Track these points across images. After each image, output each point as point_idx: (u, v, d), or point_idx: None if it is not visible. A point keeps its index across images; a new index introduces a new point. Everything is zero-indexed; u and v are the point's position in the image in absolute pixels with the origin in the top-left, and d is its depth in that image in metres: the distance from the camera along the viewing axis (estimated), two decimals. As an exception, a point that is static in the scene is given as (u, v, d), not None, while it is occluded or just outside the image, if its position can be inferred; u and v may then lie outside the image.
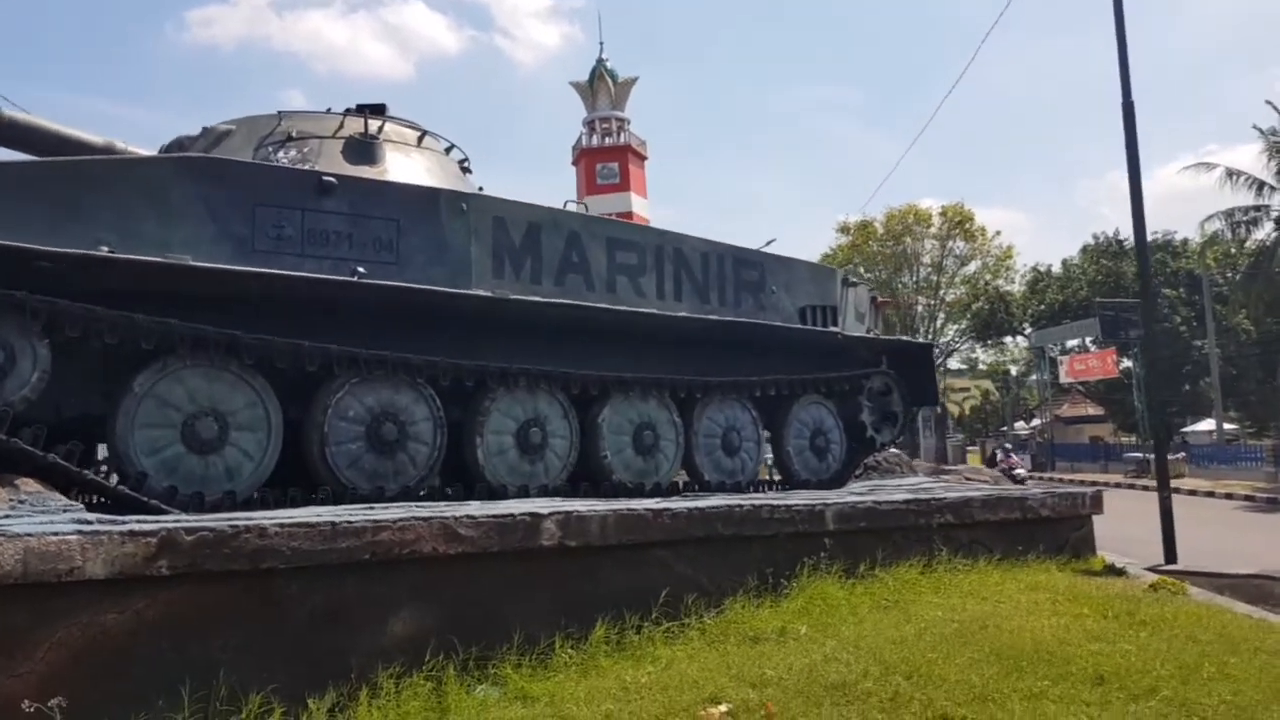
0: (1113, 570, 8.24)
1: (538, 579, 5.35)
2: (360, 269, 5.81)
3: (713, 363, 7.83)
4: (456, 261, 6.29)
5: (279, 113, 6.83)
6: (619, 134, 50.66)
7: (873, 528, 7.11)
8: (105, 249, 5.07)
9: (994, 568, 7.64)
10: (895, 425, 9.19)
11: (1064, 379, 41.51)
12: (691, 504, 6.06)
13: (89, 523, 4.17)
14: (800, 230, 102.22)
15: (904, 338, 10.21)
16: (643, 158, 51.17)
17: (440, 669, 4.80)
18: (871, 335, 9.22)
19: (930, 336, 49.15)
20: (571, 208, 7.16)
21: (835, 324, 8.70)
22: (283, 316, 5.67)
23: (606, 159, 49.24)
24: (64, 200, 5.07)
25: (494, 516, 5.11)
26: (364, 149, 6.74)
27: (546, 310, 6.62)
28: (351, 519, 4.66)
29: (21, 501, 4.50)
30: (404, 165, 6.92)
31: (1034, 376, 46.59)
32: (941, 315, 49.69)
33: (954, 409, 61.74)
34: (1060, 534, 8.44)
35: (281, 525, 4.43)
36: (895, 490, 7.92)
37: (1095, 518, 8.75)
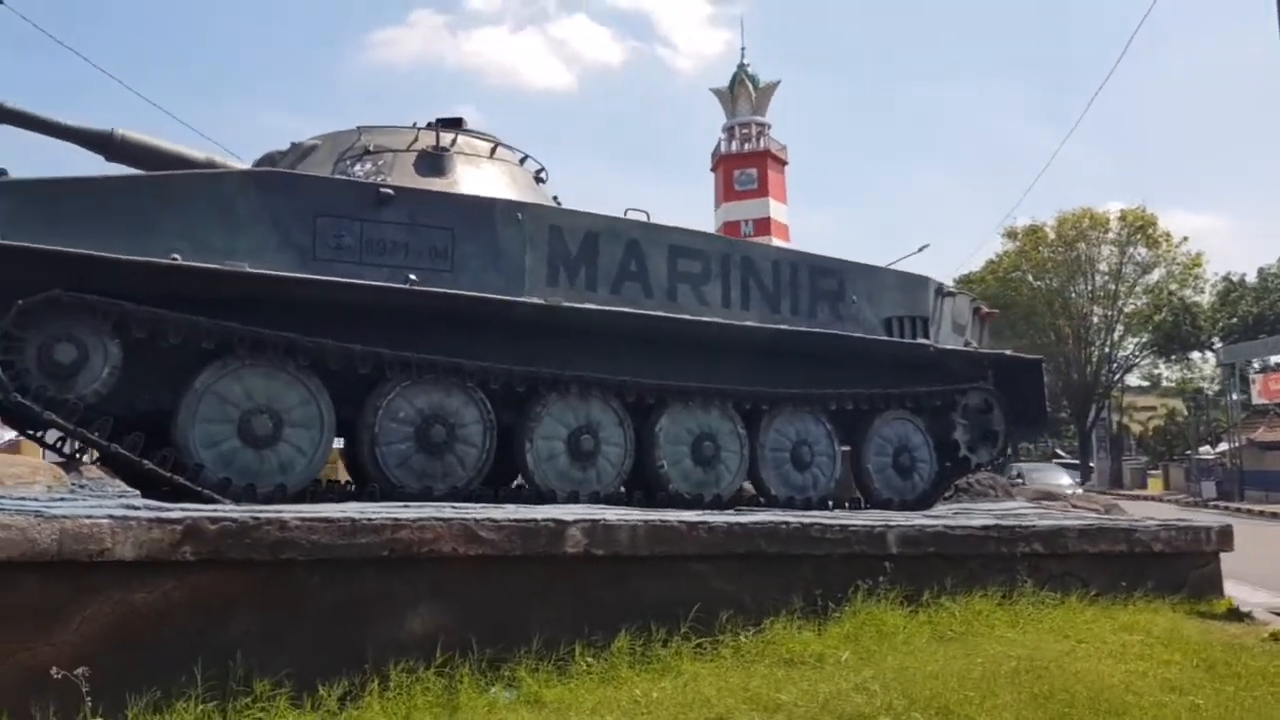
0: (1235, 615, 7.48)
1: (562, 585, 5.39)
2: (412, 276, 6.04)
3: (785, 374, 7.65)
4: (510, 269, 6.43)
5: (358, 128, 7.20)
6: (758, 139, 50.19)
7: (944, 553, 6.75)
8: (177, 257, 5.51)
9: (1088, 604, 7.09)
10: (994, 445, 8.66)
11: (1257, 399, 37.85)
12: (732, 519, 5.95)
13: (136, 508, 4.54)
14: (963, 236, 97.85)
15: (1008, 351, 9.58)
16: (782, 163, 50.51)
17: (456, 667, 4.92)
18: (969, 349, 8.74)
19: (1108, 349, 46.07)
20: (632, 215, 7.17)
21: (926, 336, 8.31)
22: (342, 321, 5.98)
23: (745, 165, 48.95)
24: (144, 212, 5.55)
25: (516, 521, 5.19)
26: (434, 161, 7.00)
27: (601, 317, 6.67)
28: (372, 516, 4.85)
29: (82, 486, 4.95)
30: (473, 176, 7.14)
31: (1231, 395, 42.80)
32: (1120, 327, 46.42)
33: (1135, 428, 57.49)
34: (1178, 571, 7.74)
35: (302, 519, 4.66)
36: (979, 515, 7.47)
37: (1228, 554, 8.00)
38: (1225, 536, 8.04)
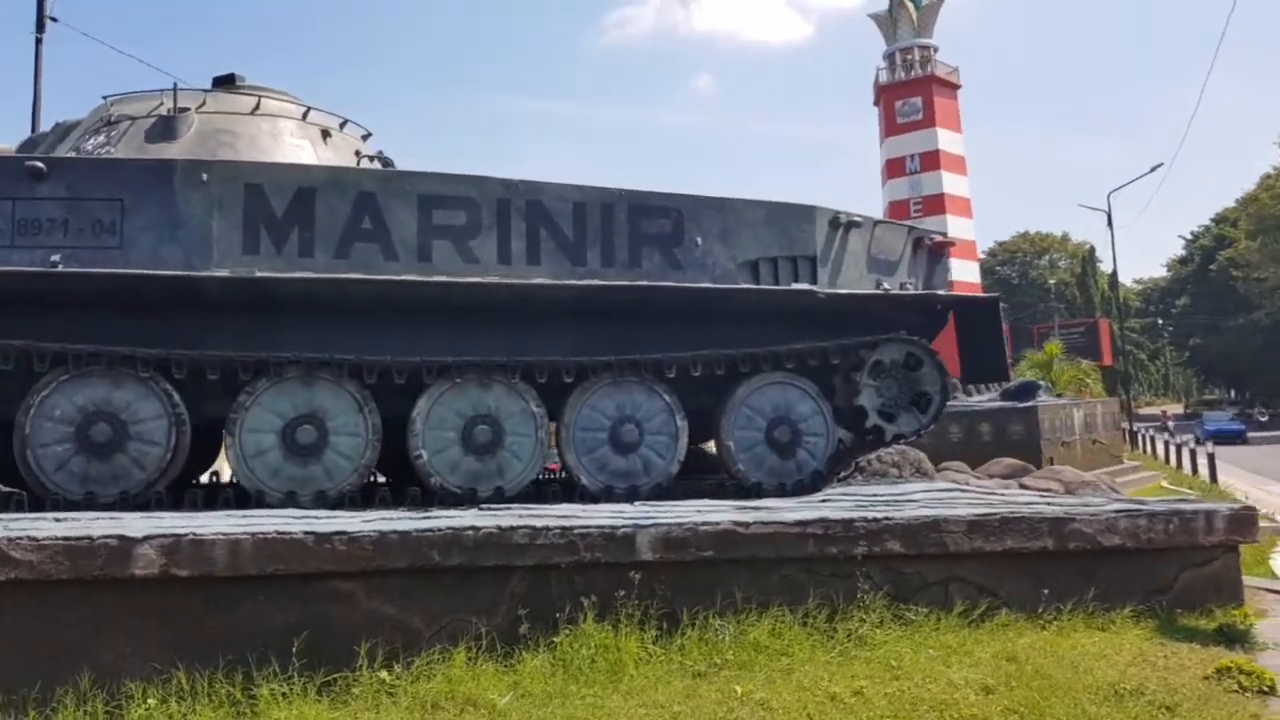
0: (1228, 635, 5.30)
1: (137, 614, 4.51)
2: (55, 258, 5.34)
3: (604, 338, 6.26)
4: (194, 239, 5.57)
5: (104, 98, 6.62)
6: (923, 65, 45.09)
7: (735, 558, 5.21)
8: None
9: (974, 624, 5.24)
10: (926, 411, 6.72)
11: None
12: (389, 526, 4.79)
13: None
14: (1231, 147, 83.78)
15: (939, 293, 7.36)
16: (954, 87, 45.13)
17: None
18: (885, 292, 6.78)
19: None
20: (366, 164, 6.05)
21: (813, 280, 6.53)
22: (-2, 313, 5.41)
23: (907, 94, 44.14)
24: None
25: (63, 539, 4.38)
26: (165, 126, 6.28)
27: (319, 287, 5.67)
28: None
29: None
30: (214, 138, 6.33)
31: None
32: None
33: None
34: (1157, 574, 5.73)
35: None
36: (839, 504, 5.69)
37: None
38: (1241, 524, 5.78)
